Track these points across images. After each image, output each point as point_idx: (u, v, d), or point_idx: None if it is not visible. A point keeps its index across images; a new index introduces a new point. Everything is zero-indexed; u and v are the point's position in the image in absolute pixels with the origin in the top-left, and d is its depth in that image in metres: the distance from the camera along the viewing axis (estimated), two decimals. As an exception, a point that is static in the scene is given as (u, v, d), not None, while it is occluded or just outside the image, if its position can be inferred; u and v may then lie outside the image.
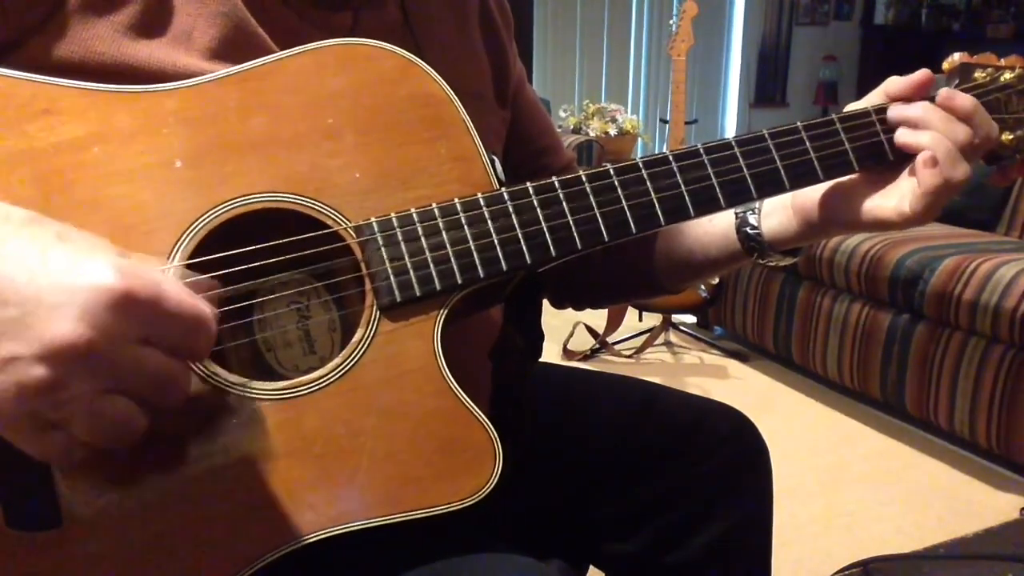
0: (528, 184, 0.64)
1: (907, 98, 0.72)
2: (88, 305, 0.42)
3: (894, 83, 0.73)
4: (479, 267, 0.61)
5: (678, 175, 0.67)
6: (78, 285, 0.42)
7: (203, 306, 0.47)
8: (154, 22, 0.60)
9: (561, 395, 0.93)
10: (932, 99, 0.71)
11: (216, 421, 0.55)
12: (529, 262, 0.63)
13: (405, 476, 0.59)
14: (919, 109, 0.71)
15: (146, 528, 0.53)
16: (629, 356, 3.06)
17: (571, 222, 0.64)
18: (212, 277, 0.55)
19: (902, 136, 0.71)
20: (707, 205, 0.68)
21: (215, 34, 0.62)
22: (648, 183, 0.66)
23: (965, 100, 0.70)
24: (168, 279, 0.47)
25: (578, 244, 0.64)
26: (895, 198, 0.70)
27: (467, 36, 0.80)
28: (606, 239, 0.65)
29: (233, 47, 0.62)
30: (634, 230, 0.66)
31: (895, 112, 0.72)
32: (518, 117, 0.87)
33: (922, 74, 0.72)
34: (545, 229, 0.63)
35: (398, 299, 0.60)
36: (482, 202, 0.62)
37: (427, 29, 0.75)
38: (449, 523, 0.59)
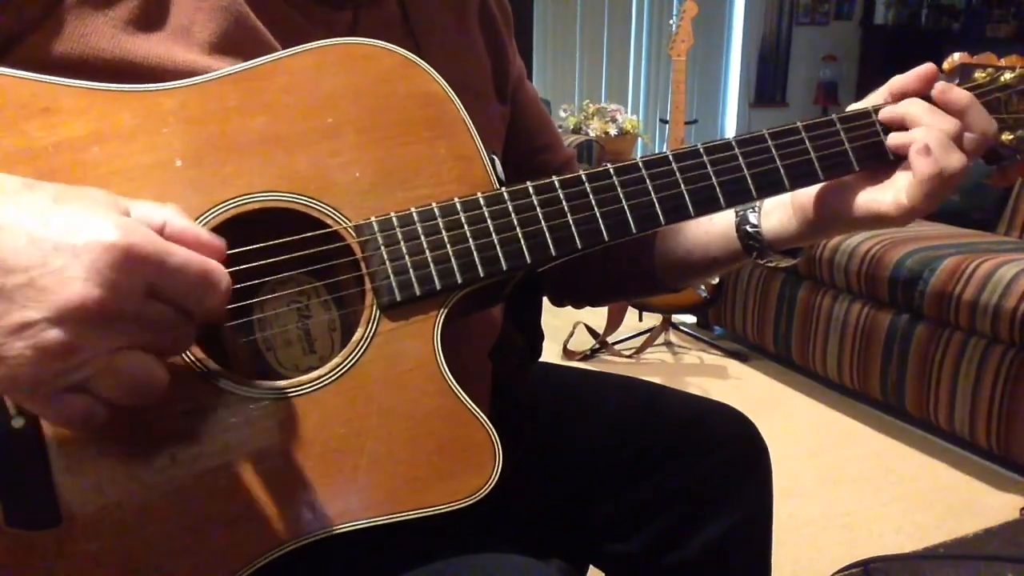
0: (528, 184, 0.64)
1: (912, 92, 0.72)
2: (94, 264, 0.42)
3: (898, 80, 0.73)
4: (479, 267, 0.61)
5: (678, 175, 0.67)
6: (81, 245, 0.42)
7: (210, 261, 0.47)
8: (152, 17, 0.60)
9: (561, 395, 0.93)
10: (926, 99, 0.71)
11: (216, 420, 0.55)
12: (529, 262, 0.63)
13: (405, 476, 0.59)
14: (906, 106, 0.71)
15: (146, 527, 0.53)
16: (629, 356, 3.06)
17: (571, 222, 0.64)
18: None
19: (893, 139, 0.71)
20: (707, 205, 0.68)
21: (214, 28, 0.62)
22: (648, 183, 0.66)
23: (960, 94, 0.71)
24: (173, 218, 0.48)
25: (578, 244, 0.64)
26: (892, 192, 0.70)
27: (467, 33, 0.80)
28: (606, 239, 0.65)
29: (232, 41, 0.62)
30: (634, 230, 0.66)
31: (885, 113, 0.72)
32: (518, 114, 0.87)
33: (926, 67, 0.72)
34: (545, 229, 0.63)
35: (398, 298, 0.60)
36: (482, 202, 0.62)
37: (427, 26, 0.75)
38: (449, 523, 0.59)
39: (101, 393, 0.45)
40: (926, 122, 0.69)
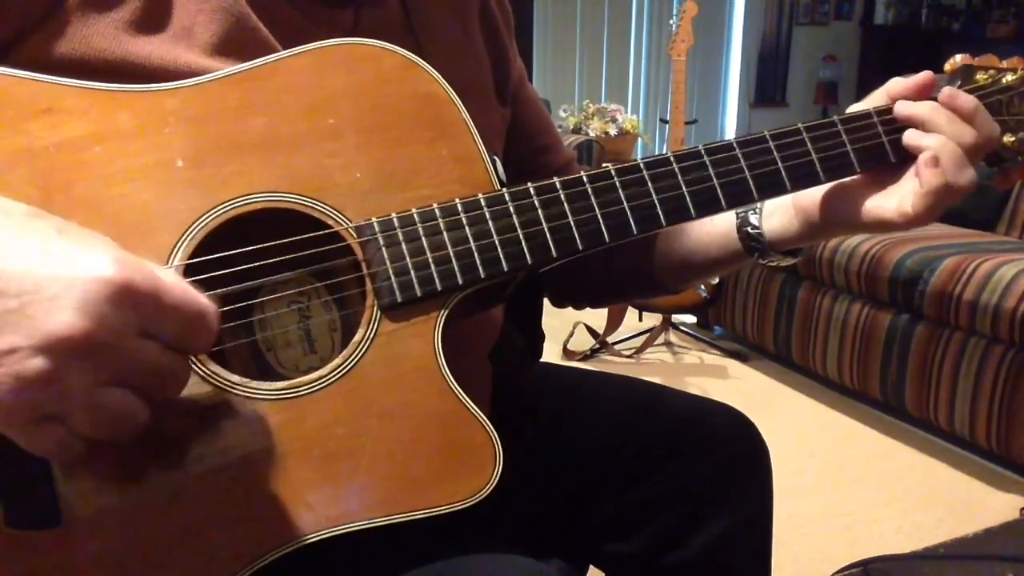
0: (529, 184, 0.64)
1: (911, 99, 0.72)
2: (87, 297, 0.42)
3: (897, 84, 0.73)
4: (480, 267, 0.61)
5: (679, 176, 0.67)
6: (77, 277, 0.42)
7: (203, 299, 0.47)
8: (155, 18, 0.60)
9: (561, 395, 0.93)
10: (935, 100, 0.71)
11: (216, 421, 0.55)
12: (530, 263, 0.63)
13: (405, 476, 0.59)
14: (928, 109, 0.70)
15: (146, 527, 0.53)
16: (629, 356, 3.06)
17: (572, 223, 0.64)
18: (212, 277, 0.55)
19: (910, 137, 0.70)
20: (708, 206, 0.68)
21: (216, 30, 0.62)
22: (649, 184, 0.66)
23: (967, 100, 0.70)
24: (169, 273, 0.47)
25: (579, 245, 0.64)
26: (896, 198, 0.70)
27: (468, 34, 0.80)
28: (607, 240, 0.65)
29: (234, 43, 0.62)
30: (635, 231, 0.66)
31: (902, 109, 0.71)
32: (518, 115, 0.87)
33: (924, 75, 0.72)
34: (546, 230, 0.63)
35: (399, 299, 0.60)
36: (483, 202, 0.62)
37: (428, 26, 0.75)
38: (449, 523, 0.59)
39: (76, 427, 0.44)
40: (945, 131, 0.69)
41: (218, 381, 0.55)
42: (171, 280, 0.46)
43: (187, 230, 0.56)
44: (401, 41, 0.63)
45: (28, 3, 0.57)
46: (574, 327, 3.08)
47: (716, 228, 0.83)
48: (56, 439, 0.44)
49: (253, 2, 0.64)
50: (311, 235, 0.59)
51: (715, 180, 0.68)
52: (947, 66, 0.76)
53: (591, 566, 0.96)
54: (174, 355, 0.46)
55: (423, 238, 0.61)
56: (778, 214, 0.79)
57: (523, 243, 0.63)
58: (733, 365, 2.99)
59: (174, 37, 0.60)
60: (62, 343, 0.41)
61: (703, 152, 0.68)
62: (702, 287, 2.83)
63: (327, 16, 0.69)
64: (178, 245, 0.55)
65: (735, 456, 0.88)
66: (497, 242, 0.62)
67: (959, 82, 0.75)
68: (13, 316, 0.41)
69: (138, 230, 0.55)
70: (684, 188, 0.67)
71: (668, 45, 3.05)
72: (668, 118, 3.02)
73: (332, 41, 0.61)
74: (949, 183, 0.67)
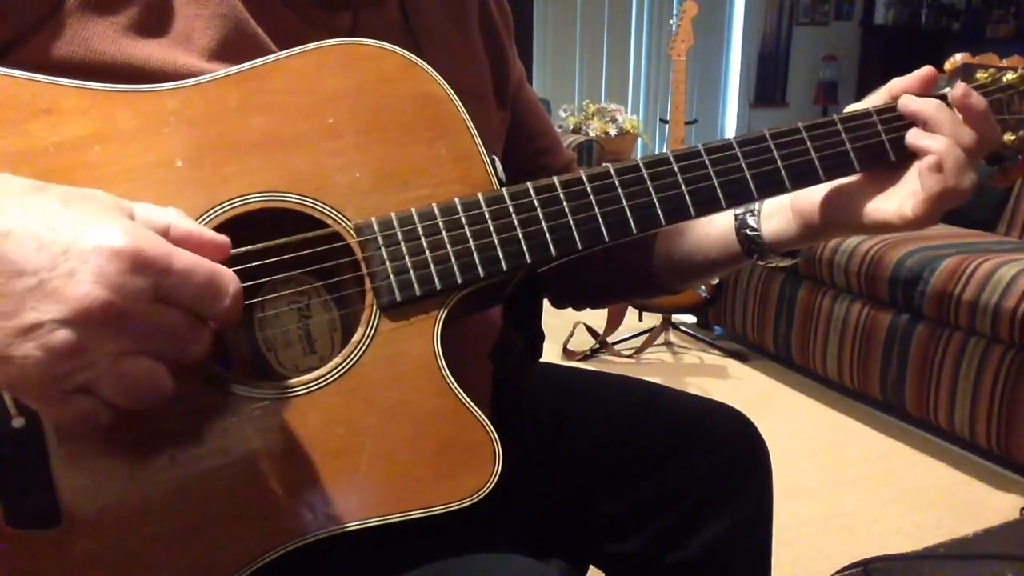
0: (528, 184, 0.64)
1: (915, 93, 0.72)
2: (102, 268, 0.43)
3: (898, 83, 0.73)
4: (479, 267, 0.61)
5: (679, 175, 0.67)
6: (90, 250, 0.43)
7: (214, 264, 0.48)
8: (154, 23, 0.60)
9: (561, 395, 0.93)
10: (938, 98, 0.71)
11: (216, 420, 0.55)
12: (529, 262, 0.63)
13: (405, 476, 0.59)
14: (932, 107, 0.70)
15: (146, 527, 0.53)
16: (629, 356, 3.06)
17: (571, 222, 0.64)
18: None
19: (914, 137, 0.70)
20: (708, 205, 0.68)
21: (214, 35, 0.62)
22: (649, 183, 0.66)
23: (979, 100, 0.70)
24: (177, 221, 0.49)
25: (578, 244, 0.64)
26: (896, 200, 0.70)
27: (467, 36, 0.80)
28: (606, 239, 0.65)
29: (232, 48, 0.62)
30: (635, 230, 0.66)
31: (907, 104, 0.71)
32: (518, 117, 0.87)
33: (926, 70, 0.72)
34: (545, 229, 0.63)
35: (398, 299, 0.60)
36: (482, 202, 0.62)
37: (427, 29, 0.75)
38: (449, 523, 0.59)
39: (105, 396, 0.45)
40: (947, 133, 0.69)
41: (218, 381, 0.55)
42: (183, 227, 0.49)
43: (187, 230, 0.56)
44: (400, 44, 0.63)
45: (28, 5, 0.57)
46: (574, 327, 3.08)
47: (715, 229, 0.83)
48: (85, 409, 0.46)
49: (252, 7, 0.64)
50: (310, 235, 0.59)
51: (715, 179, 0.68)
52: (947, 65, 0.76)
53: (591, 566, 0.96)
54: (192, 318, 0.47)
55: (422, 238, 0.61)
56: (777, 216, 0.79)
57: (522, 242, 0.63)
58: (733, 365, 2.99)
59: (173, 41, 0.60)
60: (84, 315, 0.43)
61: (703, 151, 0.68)
62: (702, 287, 2.83)
63: (326, 20, 0.68)
64: (178, 245, 0.55)
65: (735, 456, 0.88)
66: (496, 241, 0.62)
67: (959, 81, 0.75)
68: (34, 293, 0.42)
69: (138, 230, 0.54)
70: (684, 187, 0.67)
71: (668, 45, 3.06)
72: (668, 118, 3.02)
73: (332, 41, 0.61)
74: (950, 188, 0.67)
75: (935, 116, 0.69)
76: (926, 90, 0.72)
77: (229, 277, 0.48)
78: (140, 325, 0.45)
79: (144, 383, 0.46)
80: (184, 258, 0.46)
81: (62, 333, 0.42)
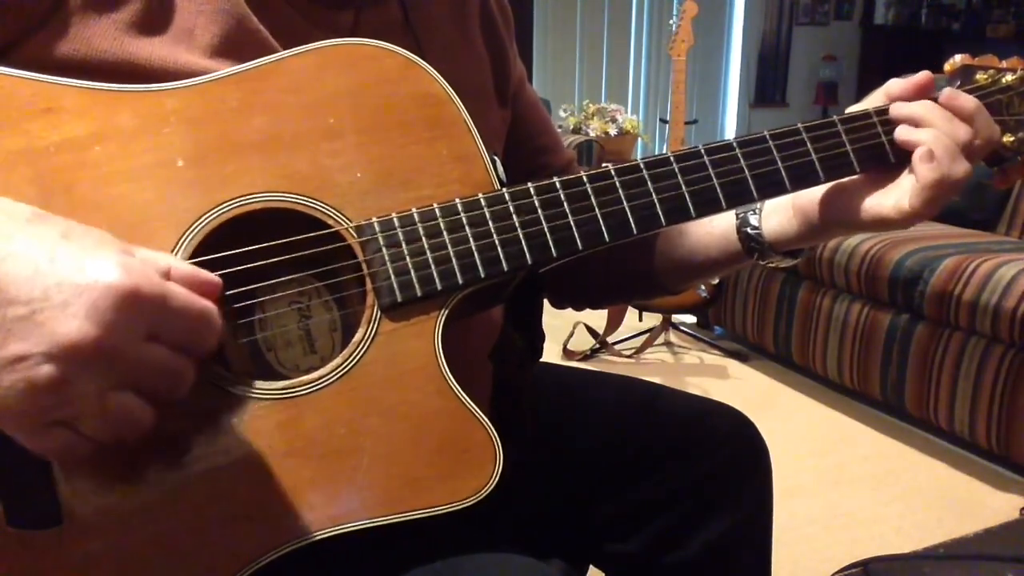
0: (529, 184, 0.64)
1: (908, 99, 0.72)
2: (95, 303, 0.42)
3: (895, 85, 0.73)
4: (480, 267, 0.61)
5: (679, 176, 0.67)
6: (85, 284, 0.43)
7: (206, 302, 0.48)
8: (155, 20, 0.60)
9: (561, 395, 0.93)
10: (935, 100, 0.71)
11: (217, 421, 0.55)
12: (530, 262, 0.63)
13: (405, 476, 0.59)
14: (920, 107, 0.71)
15: (146, 527, 0.53)
16: (629, 356, 3.06)
17: (572, 222, 0.64)
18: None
19: (902, 133, 0.71)
20: (708, 206, 0.68)
21: (216, 31, 0.62)
22: (649, 184, 0.66)
23: (967, 100, 0.70)
24: (176, 263, 0.49)
25: (579, 244, 0.64)
26: (894, 195, 0.70)
27: (468, 36, 0.80)
28: (607, 239, 0.65)
29: (234, 45, 0.62)
30: (635, 231, 0.66)
31: (897, 109, 0.71)
32: (518, 117, 0.87)
33: (923, 75, 0.72)
34: (546, 229, 0.63)
35: (399, 299, 0.60)
36: (483, 202, 0.62)
37: (428, 28, 0.75)
38: (449, 523, 0.59)
39: (85, 431, 0.45)
40: (937, 126, 0.69)
41: (218, 381, 0.56)
42: (182, 270, 0.48)
43: (187, 230, 0.56)
44: (401, 43, 0.63)
45: (29, 3, 0.57)
46: (574, 327, 3.08)
47: (716, 229, 0.83)
48: (63, 442, 0.45)
49: (253, 4, 0.64)
50: (311, 235, 0.59)
51: (715, 180, 0.68)
52: (947, 66, 0.76)
53: (591, 566, 0.96)
54: (181, 357, 0.47)
55: (423, 238, 0.61)
56: (777, 215, 0.79)
57: (523, 243, 0.63)
58: (733, 365, 2.99)
59: (174, 38, 0.60)
60: (72, 350, 0.42)
61: (703, 152, 0.68)
62: (702, 287, 2.83)
63: (327, 18, 0.69)
64: (178, 245, 0.55)
65: (735, 456, 0.88)
66: (497, 242, 0.62)
67: (959, 82, 0.75)
68: (23, 323, 0.42)
69: (138, 230, 0.55)
70: (684, 188, 0.67)
71: (668, 45, 3.05)
72: (668, 118, 3.02)
73: (332, 41, 0.61)
74: (944, 176, 0.67)
75: (925, 114, 0.70)
76: (922, 96, 0.72)
77: (216, 316, 0.49)
78: (129, 362, 0.44)
79: (126, 419, 0.45)
80: (179, 297, 0.46)
81: (47, 368, 0.42)
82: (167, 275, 0.47)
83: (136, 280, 0.44)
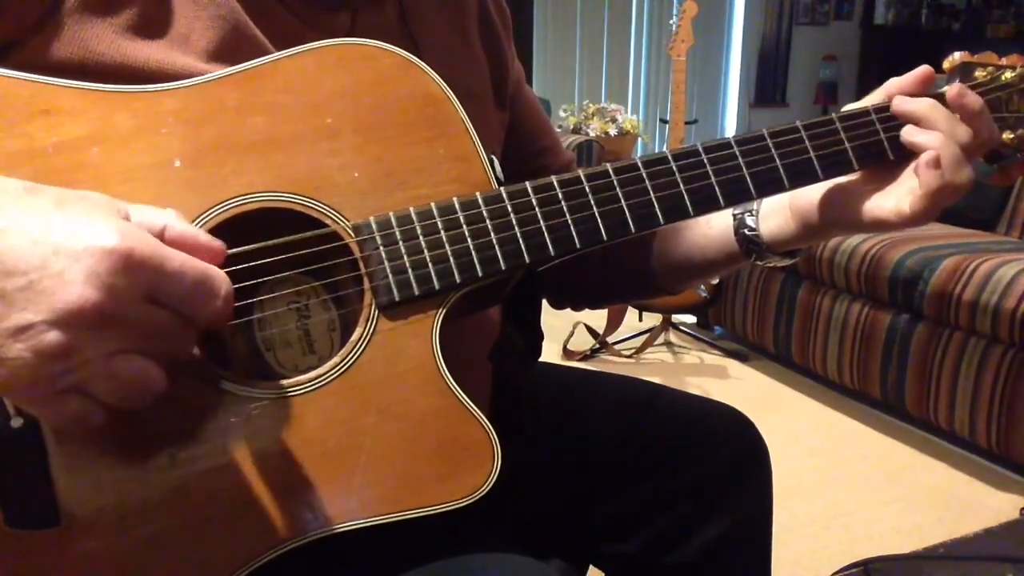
0: (527, 184, 0.64)
1: (909, 94, 0.72)
2: (93, 269, 0.43)
3: (895, 83, 0.73)
4: (477, 266, 0.61)
5: (677, 174, 0.67)
6: (81, 250, 0.43)
7: (206, 265, 0.48)
8: (152, 24, 0.60)
9: (561, 395, 0.93)
10: (935, 96, 0.71)
11: (215, 420, 0.55)
12: (528, 261, 0.63)
13: (404, 475, 0.59)
14: (926, 106, 0.70)
15: (145, 526, 0.53)
16: (629, 356, 3.06)
17: (570, 221, 0.64)
18: None
19: (909, 134, 0.70)
20: (706, 204, 0.68)
21: (212, 36, 0.62)
22: (647, 182, 0.66)
23: (975, 99, 0.70)
24: (173, 223, 0.49)
25: (577, 243, 0.64)
26: (894, 198, 0.70)
27: (465, 37, 0.80)
28: (605, 238, 0.65)
29: (231, 49, 0.62)
30: (633, 229, 0.66)
31: (899, 105, 0.71)
32: (516, 117, 0.87)
33: (923, 70, 0.72)
34: (544, 228, 0.63)
35: (396, 298, 0.60)
36: (481, 202, 0.62)
37: (425, 30, 0.75)
38: (448, 522, 0.59)
39: (97, 395, 0.45)
40: (943, 130, 0.69)
41: (217, 381, 0.55)
42: (179, 229, 0.48)
43: (185, 230, 0.56)
44: (398, 44, 0.63)
45: (26, 6, 0.57)
46: (574, 327, 3.08)
47: (713, 230, 0.83)
48: (76, 408, 0.45)
49: (250, 9, 0.64)
50: (309, 234, 0.59)
51: (713, 178, 0.68)
52: (946, 64, 0.76)
53: (591, 566, 0.96)
54: (182, 319, 0.47)
55: (421, 237, 0.61)
56: (775, 215, 0.79)
57: (521, 242, 0.63)
58: (733, 365, 2.99)
59: (171, 43, 0.60)
60: (75, 315, 0.42)
61: (701, 150, 0.68)
62: (702, 287, 2.83)
63: (324, 21, 0.69)
64: (176, 245, 0.55)
65: (735, 456, 0.88)
66: (495, 241, 0.62)
67: (958, 80, 0.75)
68: (24, 293, 0.42)
69: (136, 230, 0.54)
70: (682, 186, 0.67)
71: (668, 45, 3.06)
72: (668, 118, 3.02)
73: (330, 41, 0.61)
74: (948, 183, 0.67)
75: (929, 114, 0.69)
76: (923, 90, 0.72)
77: (221, 278, 0.48)
78: (131, 325, 0.45)
79: (137, 382, 0.46)
80: (176, 259, 0.46)
81: (52, 334, 0.42)
82: (161, 235, 0.48)
83: (130, 243, 0.44)
